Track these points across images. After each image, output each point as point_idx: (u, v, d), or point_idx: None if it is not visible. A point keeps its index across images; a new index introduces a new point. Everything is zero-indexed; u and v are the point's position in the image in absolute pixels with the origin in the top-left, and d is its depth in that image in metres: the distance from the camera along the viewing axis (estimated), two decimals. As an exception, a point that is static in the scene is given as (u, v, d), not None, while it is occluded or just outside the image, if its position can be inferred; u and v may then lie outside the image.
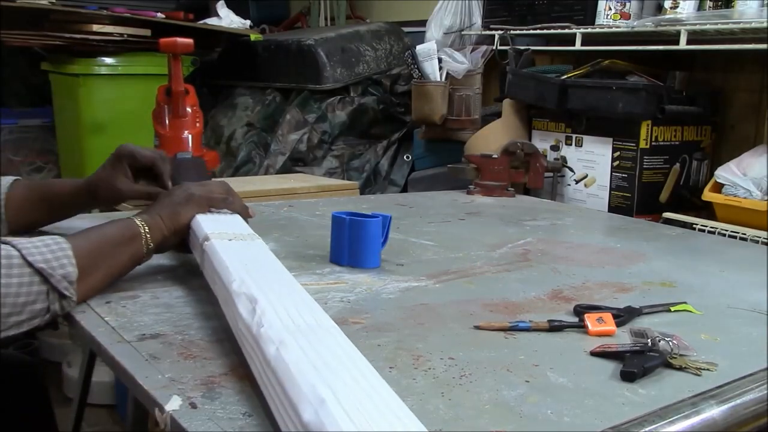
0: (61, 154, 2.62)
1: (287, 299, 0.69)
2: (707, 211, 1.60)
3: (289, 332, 0.60)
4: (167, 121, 1.74)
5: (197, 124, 1.77)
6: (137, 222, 0.88)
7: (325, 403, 0.48)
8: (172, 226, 0.91)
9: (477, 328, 0.81)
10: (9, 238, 0.74)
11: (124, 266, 0.87)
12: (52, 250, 0.75)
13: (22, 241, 0.74)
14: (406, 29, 2.70)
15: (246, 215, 1.02)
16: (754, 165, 1.52)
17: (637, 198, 1.67)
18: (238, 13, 2.75)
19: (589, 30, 1.81)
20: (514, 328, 0.81)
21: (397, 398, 0.52)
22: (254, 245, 0.90)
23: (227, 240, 0.88)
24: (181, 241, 0.94)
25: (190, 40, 1.74)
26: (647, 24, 1.67)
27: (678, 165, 1.72)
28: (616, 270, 1.10)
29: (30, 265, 0.72)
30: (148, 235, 0.87)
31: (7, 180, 1.04)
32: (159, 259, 1.01)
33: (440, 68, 2.10)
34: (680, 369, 0.71)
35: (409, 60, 2.16)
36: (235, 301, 0.70)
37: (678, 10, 1.66)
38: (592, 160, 1.77)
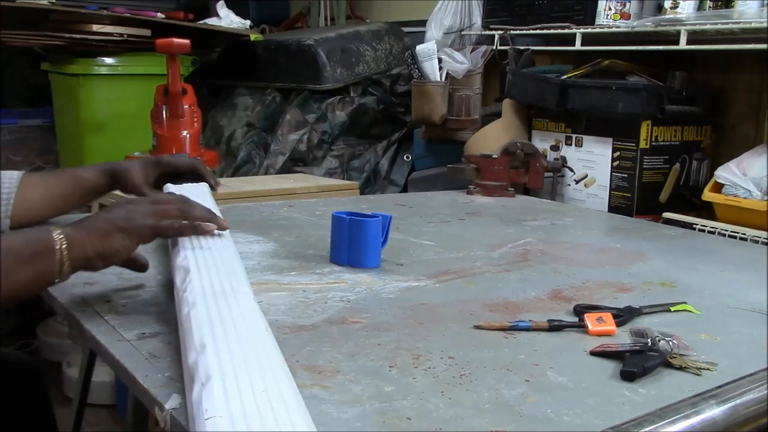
0: (61, 154, 2.62)
1: (217, 268, 0.75)
2: (707, 211, 1.60)
3: (204, 296, 0.68)
4: (165, 121, 1.74)
5: (195, 124, 1.77)
6: (54, 236, 0.74)
7: (211, 380, 0.52)
8: (100, 248, 0.76)
9: (477, 327, 0.81)
10: None
11: (25, 285, 0.73)
12: None
13: None
14: (406, 29, 2.70)
15: (202, 231, 0.83)
16: (754, 165, 1.52)
17: (637, 198, 1.67)
18: (238, 13, 2.75)
19: (589, 30, 1.81)
20: (514, 328, 0.81)
21: (284, 365, 0.57)
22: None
23: None
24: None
25: (186, 41, 1.73)
26: (647, 24, 1.67)
27: (678, 165, 1.72)
28: (616, 270, 1.10)
29: None
30: (65, 252, 0.74)
31: (13, 175, 1.02)
32: (160, 259, 1.01)
33: (440, 68, 2.10)
34: (680, 369, 0.71)
35: (409, 60, 2.15)
36: (174, 274, 0.77)
37: (678, 10, 1.66)
38: (592, 160, 1.77)
